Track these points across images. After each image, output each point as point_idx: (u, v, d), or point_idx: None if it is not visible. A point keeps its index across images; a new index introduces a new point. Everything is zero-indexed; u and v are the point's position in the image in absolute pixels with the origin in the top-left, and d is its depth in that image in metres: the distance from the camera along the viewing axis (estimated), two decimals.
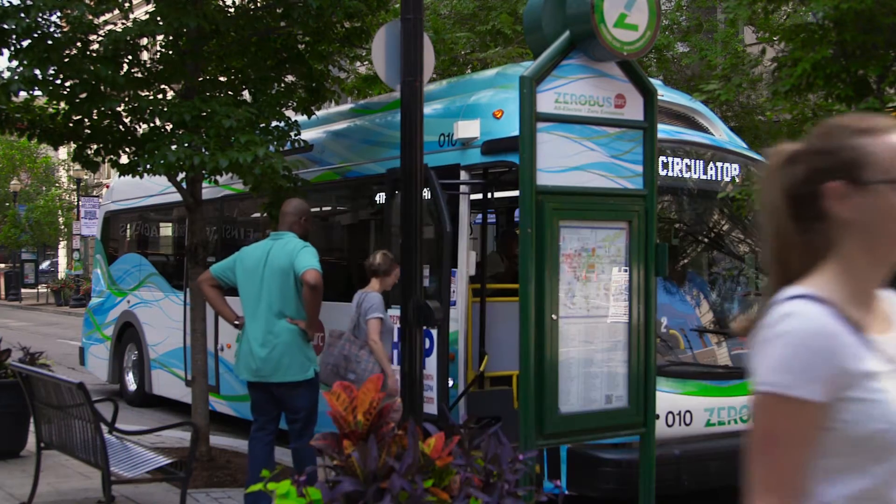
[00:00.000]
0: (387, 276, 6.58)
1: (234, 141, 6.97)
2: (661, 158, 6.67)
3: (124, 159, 7.91)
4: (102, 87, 7.35)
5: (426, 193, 5.63)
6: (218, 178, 7.91)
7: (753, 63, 14.13)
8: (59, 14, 7.32)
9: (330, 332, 6.56)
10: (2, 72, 7.10)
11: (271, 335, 6.16)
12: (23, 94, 7.25)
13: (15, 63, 7.14)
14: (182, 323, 10.51)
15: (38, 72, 7.05)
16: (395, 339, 6.49)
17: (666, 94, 7.59)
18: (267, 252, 6.27)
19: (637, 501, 4.91)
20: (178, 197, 8.27)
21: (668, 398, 6.21)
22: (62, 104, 7.58)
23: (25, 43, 7.15)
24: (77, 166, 14.65)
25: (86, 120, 7.67)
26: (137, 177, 7.76)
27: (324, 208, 9.77)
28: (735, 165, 7.25)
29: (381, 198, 8.04)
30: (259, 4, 8.27)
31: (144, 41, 7.68)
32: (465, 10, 15.27)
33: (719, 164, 7.17)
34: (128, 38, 7.22)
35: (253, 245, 6.52)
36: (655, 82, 6.00)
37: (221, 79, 8.27)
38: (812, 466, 1.73)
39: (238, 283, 6.37)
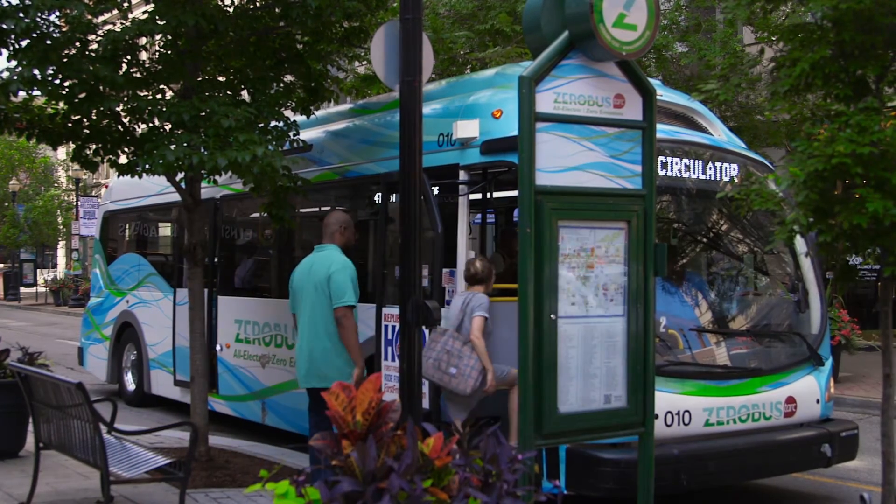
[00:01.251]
0: (489, 280, 6.84)
1: (233, 140, 6.97)
2: (660, 158, 6.67)
3: (123, 159, 7.91)
4: (101, 87, 7.34)
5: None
6: (217, 177, 7.90)
7: (752, 63, 14.16)
8: (57, 14, 7.32)
9: (433, 329, 6.71)
10: (1, 72, 7.09)
11: (312, 347, 6.50)
12: (22, 93, 7.24)
13: (14, 63, 7.14)
14: (181, 323, 10.53)
15: (36, 72, 7.04)
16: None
17: (665, 94, 7.60)
18: (311, 266, 6.62)
19: (636, 501, 4.91)
20: (177, 197, 8.27)
21: (667, 398, 6.21)
22: (61, 104, 7.57)
23: (24, 43, 7.14)
24: (76, 166, 14.63)
25: (85, 120, 7.67)
26: (136, 177, 7.76)
27: (323, 208, 9.77)
28: (734, 165, 7.26)
29: (379, 198, 8.05)
30: (258, 4, 8.26)
31: (143, 41, 7.67)
32: (464, 9, 15.28)
33: (718, 164, 7.17)
34: (126, 38, 7.22)
35: (302, 261, 6.80)
36: (654, 82, 6.00)
37: (220, 79, 8.26)
38: None
39: (294, 301, 6.74)
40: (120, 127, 7.82)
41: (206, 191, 8.66)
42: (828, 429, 7.03)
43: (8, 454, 7.94)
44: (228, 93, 8.03)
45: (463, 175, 7.08)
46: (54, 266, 50.51)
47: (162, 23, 7.26)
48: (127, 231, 13.07)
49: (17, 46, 7.18)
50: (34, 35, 7.06)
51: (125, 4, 7.67)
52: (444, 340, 6.53)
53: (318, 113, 9.00)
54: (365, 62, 12.33)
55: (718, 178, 7.16)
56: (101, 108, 7.40)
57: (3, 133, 7.76)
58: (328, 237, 6.77)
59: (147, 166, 7.12)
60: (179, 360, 10.67)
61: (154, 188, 10.88)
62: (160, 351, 11.20)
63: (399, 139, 5.52)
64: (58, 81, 7.26)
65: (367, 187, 8.51)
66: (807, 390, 7.03)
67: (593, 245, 4.64)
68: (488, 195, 7.84)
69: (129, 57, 7.67)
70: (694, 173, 7.04)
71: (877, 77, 5.55)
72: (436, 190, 7.14)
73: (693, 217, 7.69)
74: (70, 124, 7.76)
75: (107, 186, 15.46)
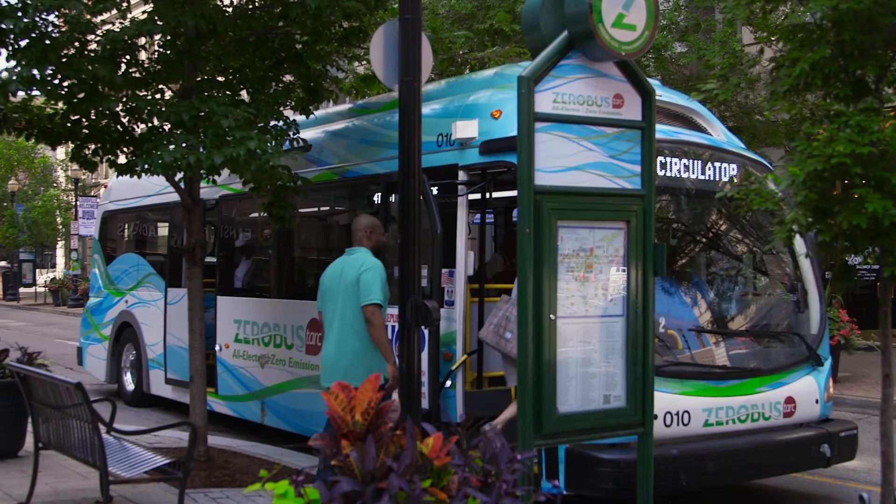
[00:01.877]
0: None
1: (231, 139, 6.97)
2: (660, 158, 6.67)
3: (122, 159, 7.90)
4: (100, 87, 7.34)
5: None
6: (217, 177, 7.90)
7: (751, 63, 14.17)
8: (56, 14, 7.31)
9: (502, 297, 6.76)
10: (0, 72, 7.09)
11: (343, 347, 6.45)
12: (21, 93, 7.24)
13: (13, 63, 7.13)
14: (172, 322, 10.55)
15: (36, 72, 7.04)
16: None
17: (664, 94, 7.60)
18: (342, 268, 6.59)
19: (635, 501, 4.91)
20: (176, 197, 8.27)
21: (666, 398, 6.21)
22: (60, 104, 7.56)
23: (23, 43, 7.14)
24: (75, 166, 14.64)
25: (84, 120, 7.66)
26: (135, 177, 7.76)
27: (322, 208, 9.77)
28: (733, 165, 7.26)
29: (379, 198, 8.04)
30: (257, 4, 8.26)
31: (142, 41, 7.67)
32: (463, 9, 15.28)
33: (717, 164, 7.17)
34: (126, 38, 7.21)
35: (332, 264, 6.76)
36: (653, 82, 6.00)
37: (219, 78, 8.26)
38: None
39: (323, 301, 6.70)
40: (119, 127, 7.82)
41: (205, 190, 8.65)
42: (827, 429, 7.04)
43: (7, 454, 7.93)
44: (227, 93, 8.03)
45: (462, 175, 7.08)
46: (53, 266, 50.52)
47: (161, 23, 7.25)
48: (126, 231, 13.07)
49: (16, 46, 7.17)
50: (33, 35, 7.06)
51: (124, 4, 7.66)
52: (506, 308, 6.56)
53: (318, 113, 8.99)
54: (364, 62, 12.33)
55: (717, 179, 7.16)
56: (100, 108, 7.40)
57: (3, 133, 7.75)
58: (357, 241, 6.71)
59: (146, 166, 7.12)
60: (171, 358, 10.69)
61: (153, 188, 10.88)
62: (159, 351, 11.19)
63: (398, 139, 5.52)
64: (57, 81, 7.26)
65: (366, 187, 8.51)
66: (806, 390, 7.04)
67: (592, 245, 4.63)
68: (487, 195, 7.84)
69: (128, 57, 7.67)
70: (693, 173, 7.04)
71: (876, 77, 5.54)
72: (435, 190, 7.14)
73: (692, 217, 7.69)
74: (69, 124, 7.75)
75: (106, 186, 15.44)
